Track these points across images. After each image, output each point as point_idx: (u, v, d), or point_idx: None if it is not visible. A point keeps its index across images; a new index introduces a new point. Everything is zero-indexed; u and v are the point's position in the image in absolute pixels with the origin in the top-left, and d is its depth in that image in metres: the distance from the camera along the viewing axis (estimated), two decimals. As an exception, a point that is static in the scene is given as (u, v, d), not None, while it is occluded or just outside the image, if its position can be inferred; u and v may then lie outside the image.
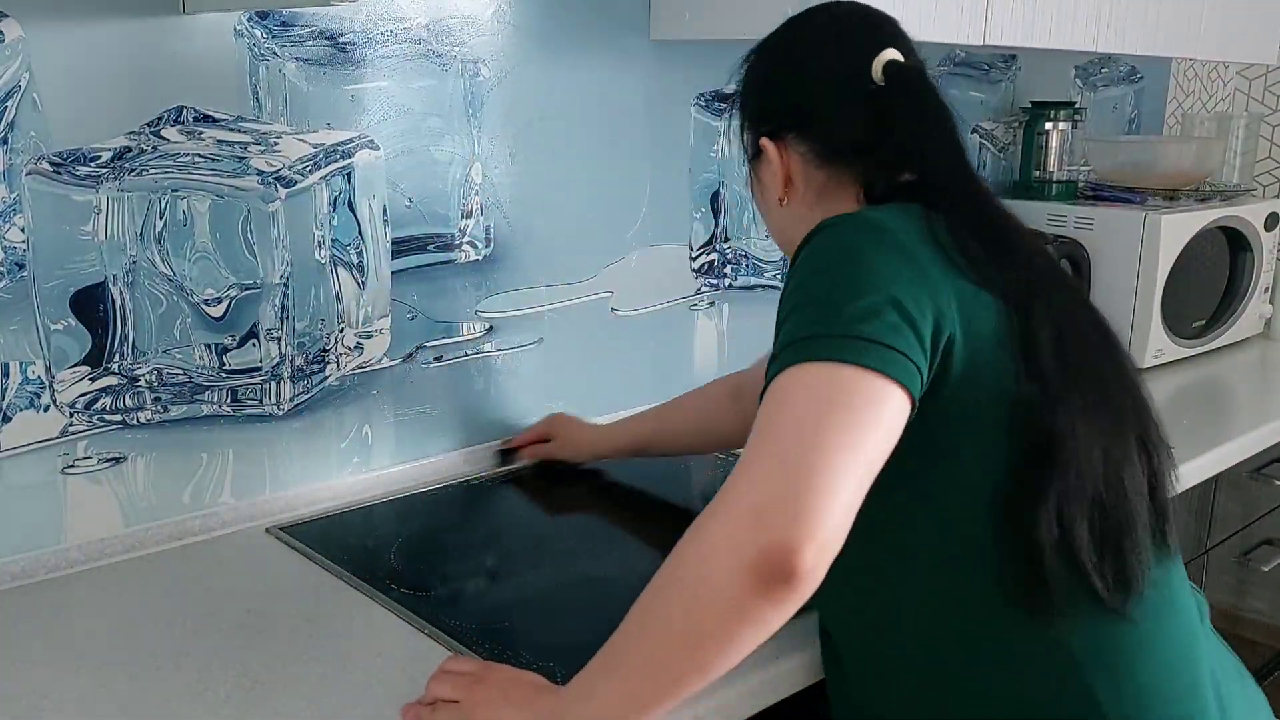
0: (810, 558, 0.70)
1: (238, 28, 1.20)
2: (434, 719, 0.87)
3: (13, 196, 1.09)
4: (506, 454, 1.50)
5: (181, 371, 1.23)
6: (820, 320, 0.79)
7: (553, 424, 1.49)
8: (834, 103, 0.98)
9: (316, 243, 1.30)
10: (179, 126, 1.18)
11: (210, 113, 1.20)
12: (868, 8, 1.02)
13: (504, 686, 0.86)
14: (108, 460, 1.19)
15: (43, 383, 1.14)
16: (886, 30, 0.99)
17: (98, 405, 1.18)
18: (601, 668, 0.81)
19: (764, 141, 1.01)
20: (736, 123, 1.07)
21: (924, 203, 0.91)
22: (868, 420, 0.75)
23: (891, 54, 0.95)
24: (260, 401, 1.29)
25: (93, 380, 1.17)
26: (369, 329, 1.37)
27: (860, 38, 0.98)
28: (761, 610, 0.72)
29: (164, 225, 1.18)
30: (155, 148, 1.16)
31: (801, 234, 0.91)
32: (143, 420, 1.21)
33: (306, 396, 1.33)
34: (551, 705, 0.82)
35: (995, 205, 0.94)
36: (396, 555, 1.21)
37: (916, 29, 1.37)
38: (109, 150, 1.13)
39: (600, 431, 1.47)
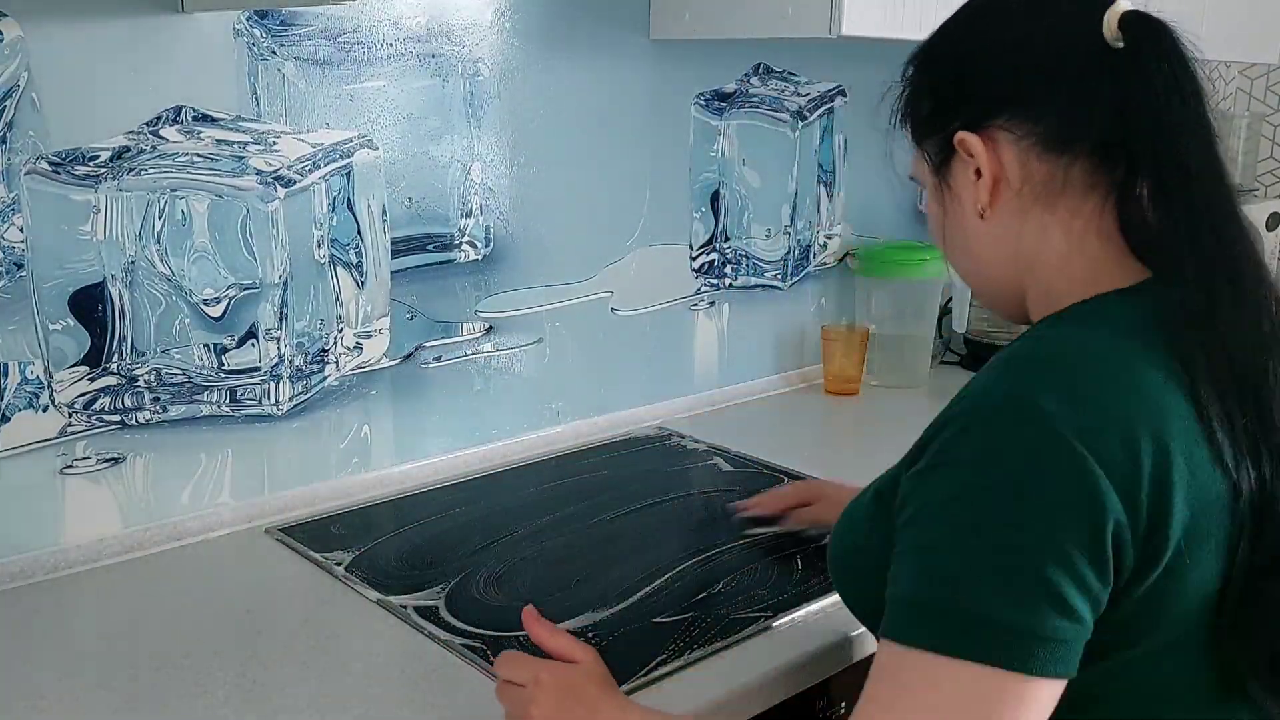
0: None
1: (237, 27, 1.20)
2: (500, 695, 0.86)
3: (11, 196, 1.08)
4: (751, 520, 1.29)
5: (180, 371, 1.22)
6: (970, 587, 0.65)
7: (811, 489, 1.27)
8: (1061, 69, 0.76)
9: (316, 242, 1.29)
10: (178, 126, 1.17)
11: (209, 112, 1.19)
12: None
13: (568, 685, 0.83)
14: (106, 460, 1.19)
15: (41, 383, 1.13)
16: None
17: (96, 405, 1.17)
18: None
19: (962, 135, 0.78)
20: (904, 138, 0.86)
21: (1171, 289, 0.73)
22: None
23: (1127, 4, 0.75)
24: (259, 401, 1.29)
25: (91, 380, 1.17)
26: (368, 329, 1.37)
27: None
28: None
29: (163, 225, 1.18)
30: (154, 147, 1.16)
31: (1012, 253, 0.78)
32: (141, 420, 1.21)
33: (305, 397, 1.33)
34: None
35: (1262, 284, 0.75)
36: (396, 555, 1.21)
37: (917, 29, 1.38)
38: (108, 150, 1.13)
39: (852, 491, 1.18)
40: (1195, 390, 0.70)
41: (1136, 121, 0.74)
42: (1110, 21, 0.75)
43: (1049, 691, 0.66)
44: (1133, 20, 0.74)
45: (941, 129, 0.81)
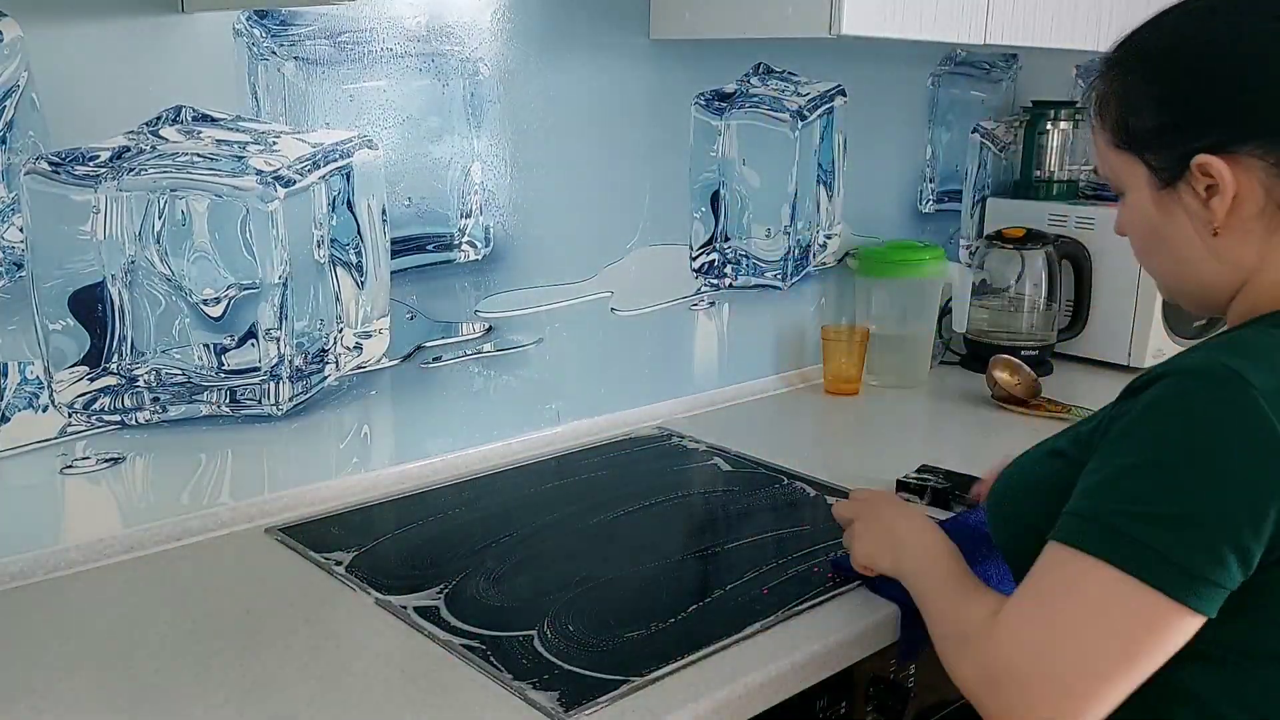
0: None
1: (236, 27, 1.20)
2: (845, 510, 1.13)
3: (11, 196, 1.08)
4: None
5: (180, 371, 1.22)
6: (1154, 519, 0.75)
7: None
8: None
9: (315, 242, 1.29)
10: (178, 126, 1.17)
11: (209, 112, 1.19)
12: None
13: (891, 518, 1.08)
14: (106, 460, 1.19)
15: (41, 383, 1.13)
16: None
17: (96, 405, 1.17)
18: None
19: (1205, 159, 0.82)
20: (1107, 142, 0.89)
21: None
22: (1164, 651, 0.77)
23: None
24: (259, 401, 1.29)
25: (91, 380, 1.17)
26: (368, 329, 1.37)
27: None
28: None
29: (163, 225, 1.18)
30: (154, 147, 1.16)
31: (1243, 266, 0.84)
32: (141, 420, 1.21)
33: (305, 397, 1.33)
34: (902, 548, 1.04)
35: None
36: (396, 555, 1.21)
37: (918, 29, 1.38)
38: (107, 150, 1.13)
39: None
40: None
41: None
42: None
43: (1191, 626, 0.76)
44: None
45: (1175, 146, 0.84)
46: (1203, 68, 0.83)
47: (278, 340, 1.29)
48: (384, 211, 1.35)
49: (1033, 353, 1.95)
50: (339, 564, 1.18)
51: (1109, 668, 0.77)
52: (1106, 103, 0.89)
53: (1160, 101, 0.85)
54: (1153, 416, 0.78)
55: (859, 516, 1.12)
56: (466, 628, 1.04)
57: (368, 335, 1.37)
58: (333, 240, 1.31)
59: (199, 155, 1.19)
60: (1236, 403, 0.75)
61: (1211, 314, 0.93)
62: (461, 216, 1.42)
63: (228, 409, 1.27)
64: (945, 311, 1.97)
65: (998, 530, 0.99)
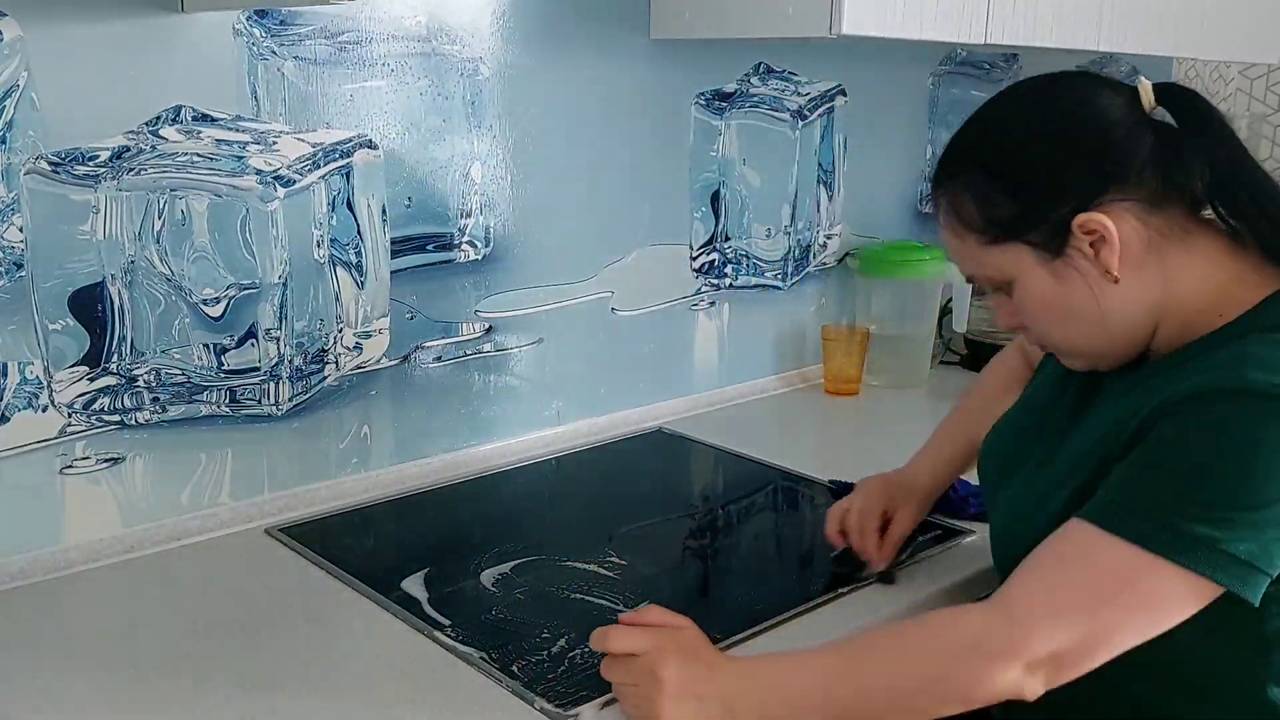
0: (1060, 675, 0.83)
1: (236, 26, 1.20)
2: (611, 672, 0.90)
3: (11, 196, 1.08)
4: (850, 567, 1.14)
5: (180, 371, 1.22)
6: (1202, 511, 0.80)
7: (871, 494, 1.17)
8: (1134, 139, 0.88)
9: (315, 242, 1.29)
10: (177, 126, 1.17)
11: (209, 112, 1.19)
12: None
13: (686, 647, 0.88)
14: (106, 460, 1.19)
15: (41, 383, 1.13)
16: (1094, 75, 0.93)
17: (96, 405, 1.17)
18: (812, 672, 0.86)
19: (1083, 218, 0.87)
20: (979, 243, 0.92)
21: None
22: (1179, 615, 0.82)
23: (1148, 81, 0.90)
24: (259, 401, 1.29)
25: (91, 380, 1.17)
26: (368, 329, 1.37)
27: (1092, 79, 0.91)
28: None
29: (162, 225, 1.18)
30: (154, 147, 1.16)
31: (1154, 300, 0.89)
32: (141, 420, 1.21)
33: (305, 397, 1.33)
34: (723, 680, 0.86)
35: None
36: (396, 555, 1.21)
37: (918, 29, 1.38)
38: (107, 149, 1.13)
39: (926, 470, 1.20)
40: None
41: (1213, 163, 0.88)
42: (1146, 98, 0.89)
43: (1210, 593, 0.81)
44: (1168, 90, 0.89)
45: (1048, 217, 0.88)
46: (1038, 143, 0.90)
47: (278, 340, 1.28)
48: (384, 211, 1.35)
49: (1033, 353, 1.95)
50: (339, 564, 1.17)
51: (1128, 637, 0.83)
52: (960, 208, 0.93)
53: (1014, 186, 0.90)
54: (1191, 426, 0.82)
55: (662, 663, 0.86)
56: (466, 628, 1.04)
57: (368, 335, 1.37)
58: (333, 240, 1.31)
59: (199, 155, 1.19)
60: (1273, 415, 0.80)
61: (1135, 355, 0.94)
62: (461, 216, 1.42)
63: (228, 409, 1.27)
64: (945, 311, 1.97)
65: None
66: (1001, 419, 1.11)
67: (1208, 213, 0.91)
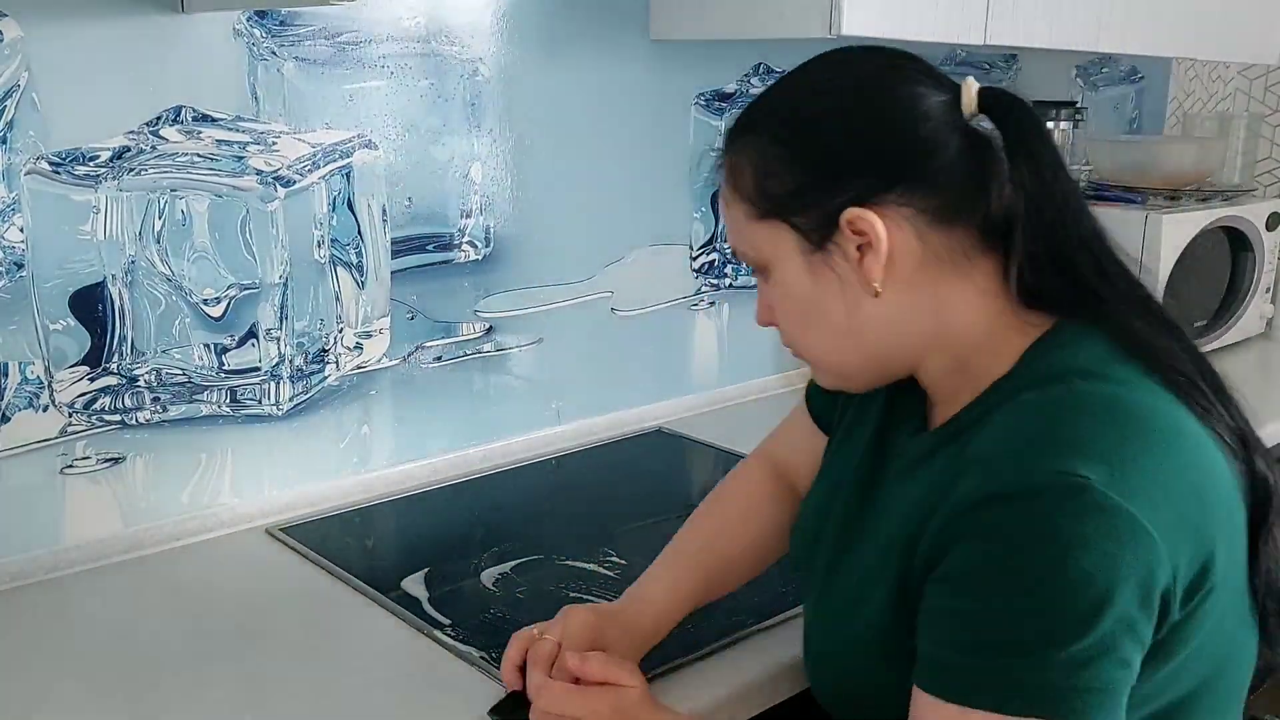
0: None
1: (236, 27, 1.20)
2: None
3: (11, 196, 1.08)
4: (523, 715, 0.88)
5: (180, 371, 1.22)
6: (1025, 658, 0.66)
7: (575, 629, 0.91)
8: (939, 141, 0.76)
9: (315, 242, 1.29)
10: (178, 126, 1.17)
11: (209, 112, 1.19)
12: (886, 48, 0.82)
13: (624, 712, 0.82)
14: (107, 460, 1.19)
15: (41, 382, 1.13)
16: (922, 65, 0.80)
17: (96, 405, 1.17)
18: None
19: (854, 213, 0.75)
20: (746, 214, 0.81)
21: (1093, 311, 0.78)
22: None
23: (975, 83, 0.78)
24: (259, 401, 1.29)
25: (91, 380, 1.17)
26: (368, 329, 1.37)
27: (918, 66, 0.80)
28: None
29: (163, 225, 1.18)
30: (154, 147, 1.16)
31: (919, 327, 0.78)
32: (142, 420, 1.21)
33: (306, 396, 1.33)
34: None
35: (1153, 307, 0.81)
36: (396, 555, 1.21)
37: (917, 29, 1.38)
38: (108, 150, 1.13)
39: (653, 607, 0.97)
40: (1190, 403, 0.75)
41: (1021, 192, 0.76)
42: (968, 99, 0.77)
43: None
44: (993, 96, 0.77)
45: (818, 205, 0.77)
46: (831, 119, 0.78)
47: (278, 340, 1.29)
48: (384, 211, 1.35)
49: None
50: (338, 564, 1.18)
51: None
52: (739, 173, 0.81)
53: (795, 159, 0.78)
54: (993, 548, 0.68)
55: None
56: (466, 628, 1.04)
57: (368, 335, 1.37)
58: (333, 240, 1.31)
59: (199, 155, 1.19)
60: (1085, 511, 0.66)
61: (885, 383, 0.85)
62: (462, 216, 1.42)
63: (228, 409, 1.27)
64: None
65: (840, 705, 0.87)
66: (806, 495, 0.99)
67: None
